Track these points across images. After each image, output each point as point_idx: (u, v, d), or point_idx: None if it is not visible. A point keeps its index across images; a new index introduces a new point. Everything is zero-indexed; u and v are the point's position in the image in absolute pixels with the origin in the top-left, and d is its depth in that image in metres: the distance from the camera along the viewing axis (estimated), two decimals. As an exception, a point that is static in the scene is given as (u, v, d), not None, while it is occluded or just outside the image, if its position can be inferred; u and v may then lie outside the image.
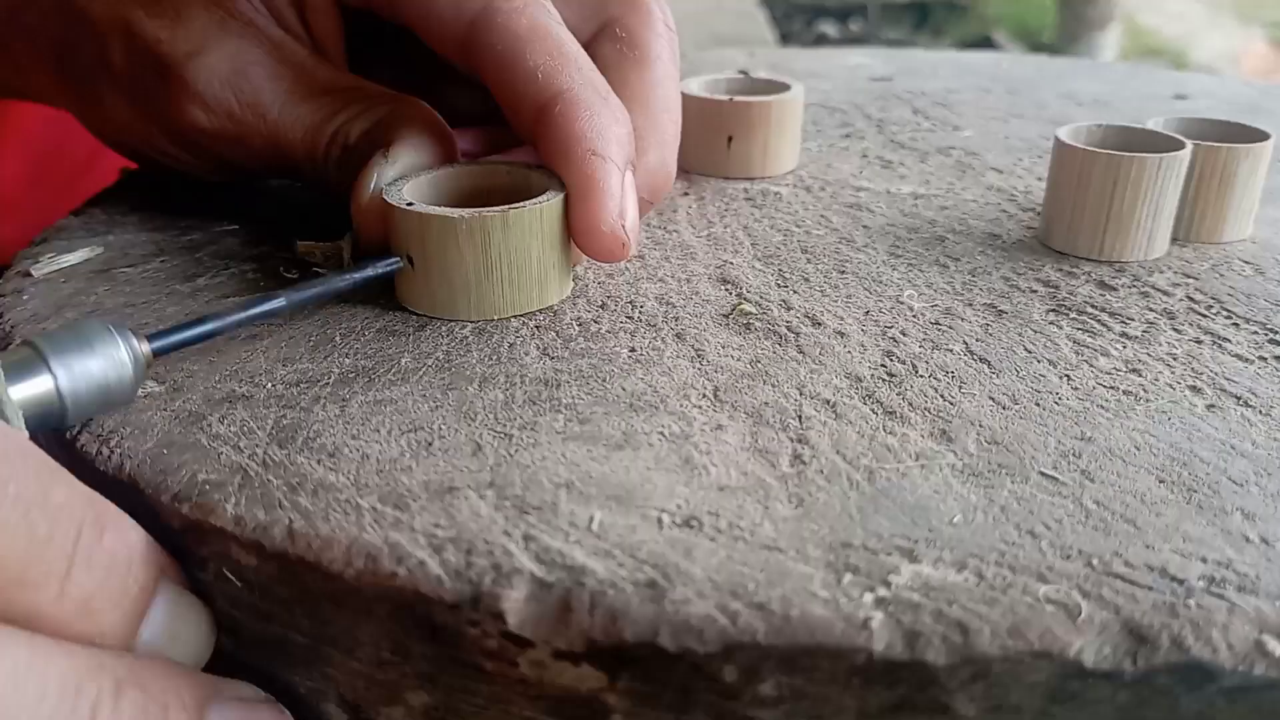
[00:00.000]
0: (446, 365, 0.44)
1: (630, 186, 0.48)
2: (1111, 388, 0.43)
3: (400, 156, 0.50)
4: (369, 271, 0.47)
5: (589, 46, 0.55)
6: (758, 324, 0.47)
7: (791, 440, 0.39)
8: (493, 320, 0.48)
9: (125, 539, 0.35)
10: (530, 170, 0.50)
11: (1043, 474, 0.37)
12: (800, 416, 0.41)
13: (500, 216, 0.46)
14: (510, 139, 0.59)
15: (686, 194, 0.64)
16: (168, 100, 0.53)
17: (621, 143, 0.48)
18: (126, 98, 0.55)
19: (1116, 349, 0.46)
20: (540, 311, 0.48)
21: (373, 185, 0.49)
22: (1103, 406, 0.42)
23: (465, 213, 0.46)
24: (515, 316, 0.48)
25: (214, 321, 0.43)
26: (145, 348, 0.41)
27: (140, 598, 0.35)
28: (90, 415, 0.40)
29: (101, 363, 0.39)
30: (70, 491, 0.34)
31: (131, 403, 0.41)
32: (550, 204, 0.47)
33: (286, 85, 0.54)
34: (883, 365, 0.44)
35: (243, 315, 0.44)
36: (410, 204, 0.47)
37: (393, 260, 0.47)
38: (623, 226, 0.47)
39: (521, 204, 0.47)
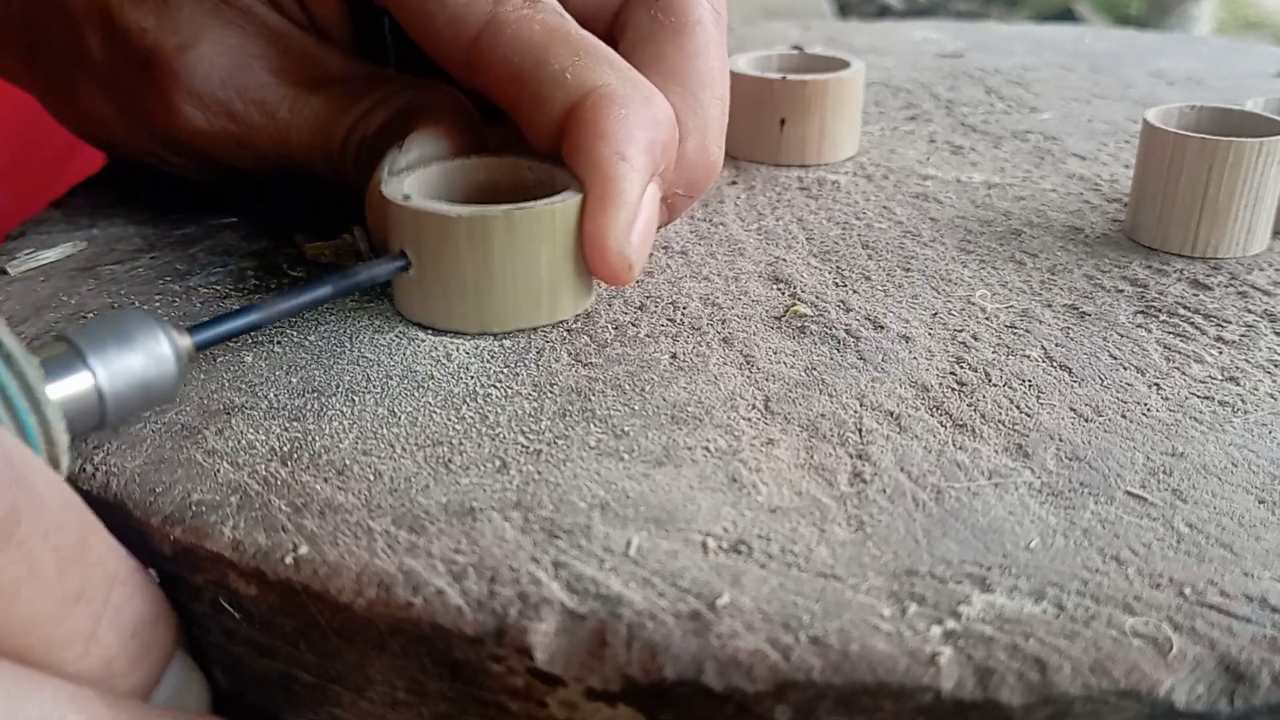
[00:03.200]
0: (467, 373, 0.44)
1: (652, 202, 0.47)
2: (1206, 398, 0.43)
3: (415, 148, 0.49)
4: (376, 271, 0.47)
5: (619, 15, 0.53)
6: (813, 327, 0.47)
7: (851, 456, 0.39)
8: (511, 331, 0.47)
9: (151, 599, 0.36)
10: (555, 168, 0.49)
11: (1129, 493, 0.37)
12: (860, 430, 0.41)
13: (504, 216, 0.45)
14: None
15: (735, 183, 0.64)
16: (156, 97, 0.53)
17: (654, 151, 0.47)
18: (104, 92, 0.54)
19: (1211, 355, 0.46)
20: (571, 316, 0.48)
21: (385, 182, 0.48)
22: (1196, 419, 0.42)
23: (464, 210, 0.45)
24: (521, 331, 0.47)
25: (259, 311, 0.43)
26: (186, 341, 0.41)
27: (159, 662, 0.36)
28: (130, 415, 0.40)
29: (142, 358, 0.39)
30: (105, 545, 0.34)
31: (174, 401, 0.41)
32: (564, 205, 0.46)
33: (294, 78, 0.53)
34: (952, 373, 0.44)
35: (290, 303, 0.44)
36: (406, 197, 0.46)
37: (399, 261, 0.47)
38: (629, 246, 0.46)
39: (529, 204, 0.46)
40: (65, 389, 0.37)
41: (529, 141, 0.50)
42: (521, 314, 0.47)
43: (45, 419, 0.35)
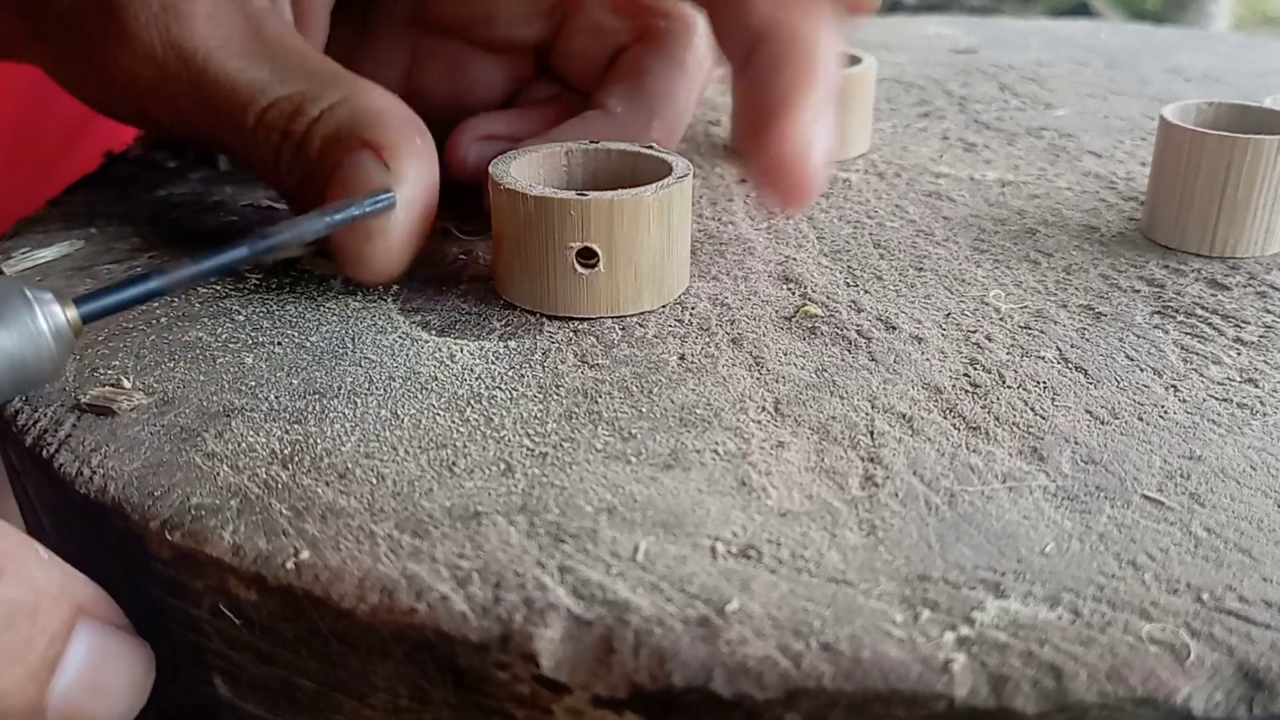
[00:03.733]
0: (471, 374, 0.44)
1: (828, 127, 0.47)
2: (1224, 400, 0.43)
3: (407, 178, 0.47)
4: (353, 210, 0.45)
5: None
6: (824, 328, 0.47)
7: (862, 459, 0.39)
8: (636, 313, 0.49)
9: (28, 580, 0.34)
10: (638, 153, 0.51)
11: (1146, 497, 0.37)
12: (872, 433, 0.41)
13: (675, 188, 0.47)
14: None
15: (744, 181, 0.64)
16: (101, 43, 0.52)
17: (831, 86, 0.47)
18: (67, 41, 0.54)
19: (1230, 356, 0.46)
20: (578, 315, 0.48)
21: (395, 223, 0.47)
22: (1214, 421, 0.42)
23: (651, 190, 0.47)
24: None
25: (158, 278, 0.41)
26: (71, 313, 0.39)
27: (50, 648, 0.34)
28: (3, 398, 0.39)
29: (14, 335, 0.37)
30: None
31: (58, 380, 0.40)
32: (684, 183, 0.48)
33: (223, 30, 0.51)
34: (965, 375, 0.44)
35: (194, 269, 0.42)
36: (584, 193, 0.47)
37: (384, 196, 0.46)
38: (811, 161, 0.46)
39: (664, 182, 0.48)
40: None
41: (720, 44, 0.51)
42: (649, 296, 0.49)
43: None
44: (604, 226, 0.46)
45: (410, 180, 0.47)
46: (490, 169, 0.48)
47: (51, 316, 0.38)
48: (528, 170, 0.50)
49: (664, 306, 0.49)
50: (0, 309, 0.37)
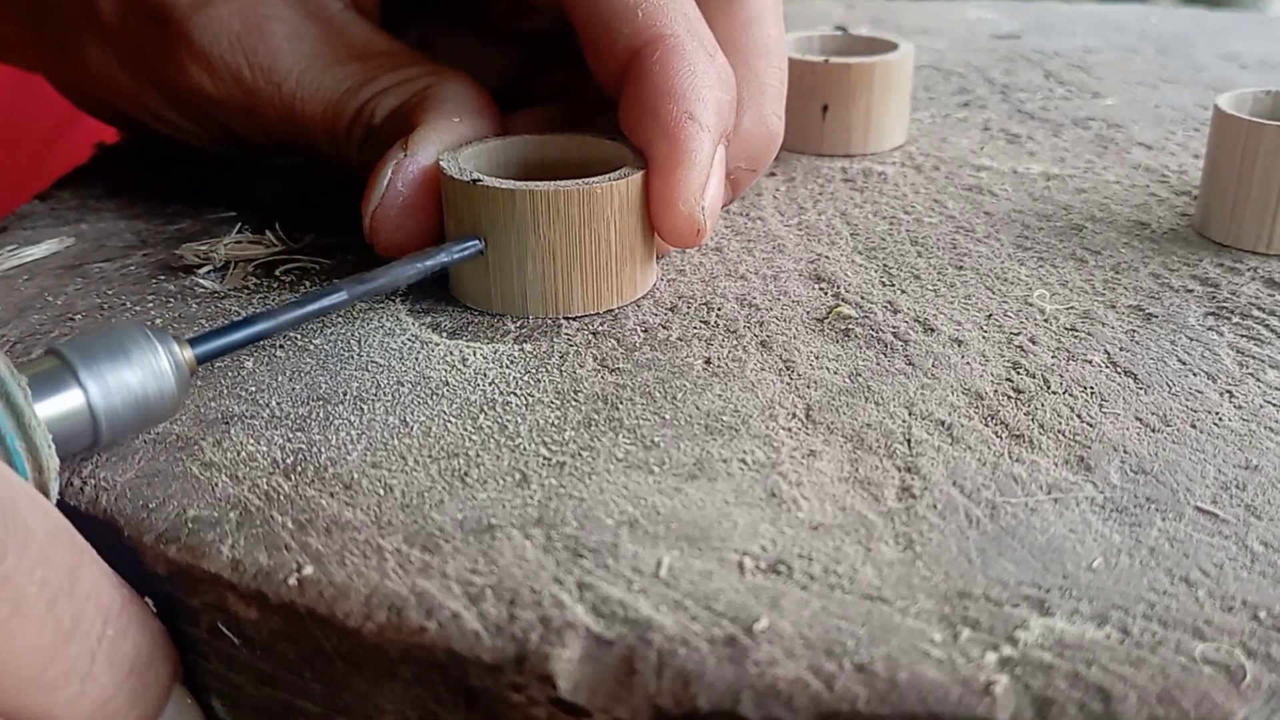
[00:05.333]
0: (485, 379, 0.44)
1: (720, 164, 0.48)
2: (1284, 406, 0.43)
3: (422, 149, 0.49)
4: (443, 257, 0.47)
5: None
6: (858, 330, 0.47)
7: (899, 469, 0.39)
8: (551, 319, 0.48)
9: (149, 631, 0.35)
10: (606, 141, 0.50)
11: (1199, 509, 0.37)
12: (909, 441, 0.41)
13: (581, 191, 0.46)
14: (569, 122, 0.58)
15: (774, 174, 0.64)
16: (167, 58, 0.53)
17: (721, 110, 0.48)
18: (116, 53, 0.54)
19: (1290, 360, 0.46)
20: (598, 315, 0.48)
21: (384, 186, 0.49)
22: (1271, 429, 0.41)
23: (540, 186, 0.46)
24: (577, 317, 0.48)
25: (265, 321, 0.43)
26: (187, 354, 0.41)
27: (157, 700, 0.36)
28: (127, 435, 0.40)
29: (139, 373, 0.39)
30: (98, 575, 0.34)
31: (173, 418, 0.41)
32: (633, 180, 0.47)
33: (309, 47, 0.53)
34: (1008, 380, 0.44)
35: (299, 312, 0.44)
36: (475, 179, 0.47)
37: (471, 243, 0.47)
38: (702, 209, 0.47)
39: (602, 178, 0.47)
40: (54, 408, 0.37)
41: (593, 71, 0.50)
42: (600, 295, 0.49)
43: (33, 443, 0.35)
44: (487, 218, 0.47)
45: (422, 155, 0.49)
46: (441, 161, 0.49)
47: (173, 356, 0.40)
48: (478, 158, 0.51)
49: (639, 306, 0.49)
50: (127, 348, 0.39)
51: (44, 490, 0.35)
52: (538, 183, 0.46)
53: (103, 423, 0.38)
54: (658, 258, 0.52)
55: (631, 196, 0.47)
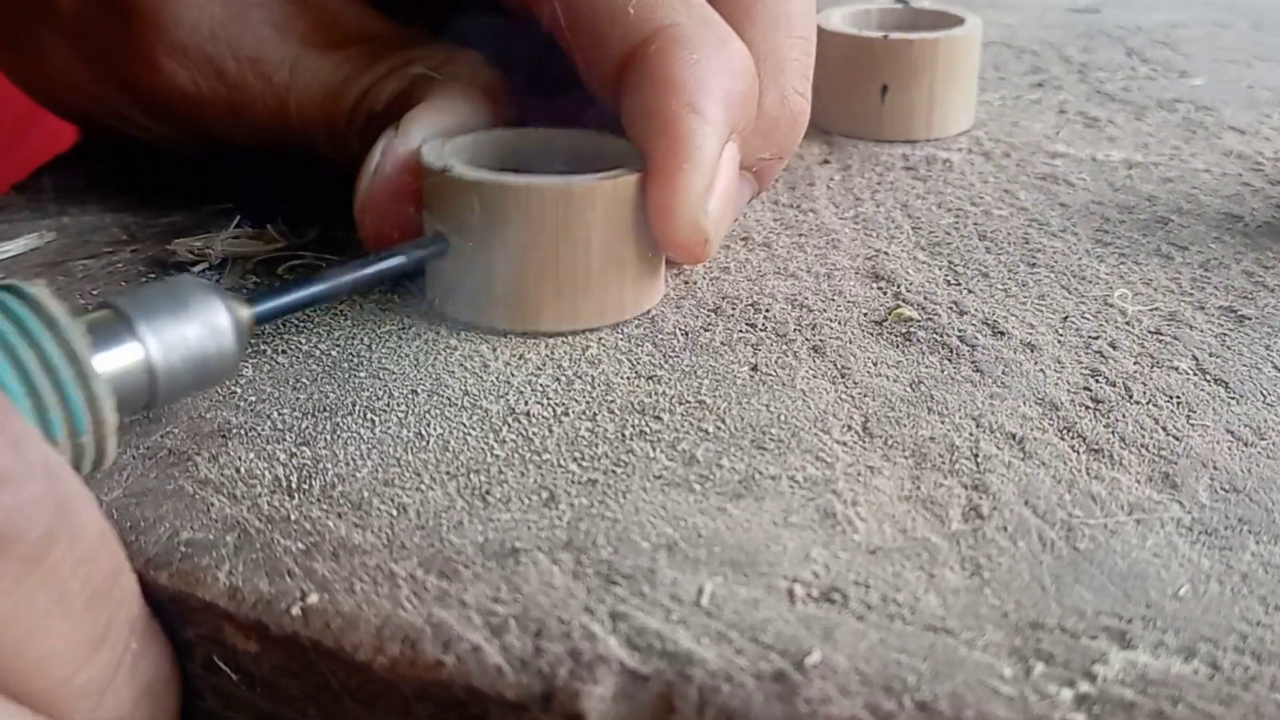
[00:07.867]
0: (509, 387, 0.44)
1: (731, 163, 0.47)
2: (1393, 418, 0.43)
3: (413, 131, 0.49)
4: (400, 259, 0.46)
5: None
6: (920, 334, 0.47)
7: (965, 487, 0.39)
8: (556, 332, 0.48)
9: (166, 654, 0.36)
10: (624, 140, 0.48)
11: (1300, 532, 0.37)
12: (976, 456, 0.41)
13: (561, 189, 0.46)
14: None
15: (827, 161, 0.64)
16: (134, 52, 0.52)
17: (731, 103, 0.46)
18: (74, 48, 0.54)
19: (1399, 366, 0.46)
20: (633, 319, 0.48)
21: (373, 172, 0.48)
22: (1381, 443, 0.41)
23: (514, 180, 0.45)
24: (579, 332, 0.48)
25: (325, 281, 0.43)
26: (247, 312, 0.41)
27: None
28: (183, 395, 0.40)
29: (199, 329, 0.39)
30: (131, 585, 0.35)
31: (231, 379, 0.42)
32: (623, 180, 0.46)
33: (300, 34, 0.52)
34: (1086, 388, 0.44)
35: (360, 274, 0.44)
36: (446, 169, 0.46)
37: (437, 243, 0.47)
38: (706, 216, 0.45)
39: (588, 176, 0.46)
40: (112, 361, 0.37)
41: (588, 88, 0.49)
42: (578, 311, 0.47)
43: (93, 395, 0.35)
44: (453, 214, 0.46)
45: (412, 136, 0.49)
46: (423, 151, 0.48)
47: (234, 314, 0.40)
48: (474, 149, 0.50)
49: (635, 317, 0.49)
50: (187, 301, 0.39)
51: (101, 448, 0.35)
52: (508, 175, 0.46)
53: (161, 379, 0.38)
54: (669, 267, 0.51)
55: (620, 200, 0.46)
